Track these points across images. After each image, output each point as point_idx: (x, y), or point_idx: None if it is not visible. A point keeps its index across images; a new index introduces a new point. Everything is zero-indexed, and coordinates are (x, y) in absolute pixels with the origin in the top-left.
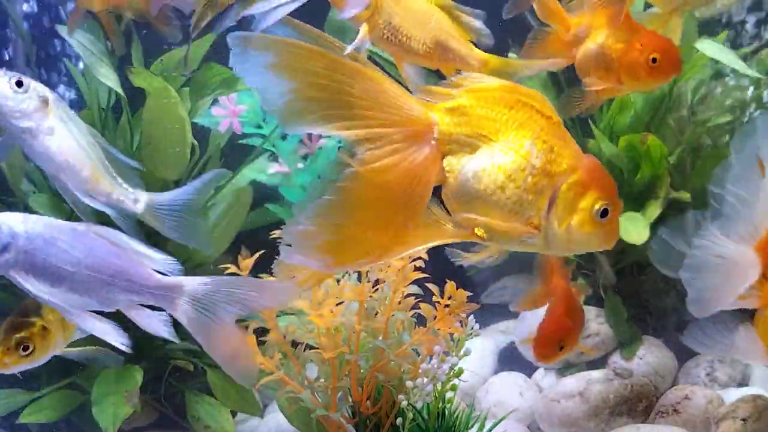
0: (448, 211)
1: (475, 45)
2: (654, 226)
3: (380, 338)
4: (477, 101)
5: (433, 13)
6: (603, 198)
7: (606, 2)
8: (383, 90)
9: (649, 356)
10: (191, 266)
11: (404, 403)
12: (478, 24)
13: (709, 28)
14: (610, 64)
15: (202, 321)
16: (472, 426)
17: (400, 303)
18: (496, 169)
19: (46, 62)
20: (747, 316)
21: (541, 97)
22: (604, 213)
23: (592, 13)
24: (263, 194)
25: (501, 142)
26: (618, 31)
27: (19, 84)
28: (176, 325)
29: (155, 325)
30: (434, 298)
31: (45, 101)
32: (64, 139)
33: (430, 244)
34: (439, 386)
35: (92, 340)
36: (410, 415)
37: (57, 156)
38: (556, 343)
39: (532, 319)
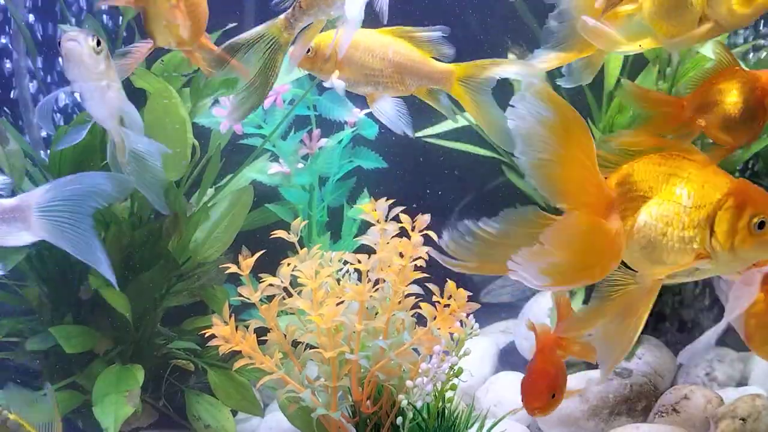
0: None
1: (438, 59)
2: None
3: (380, 338)
4: (632, 169)
5: (390, 43)
6: (757, 213)
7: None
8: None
9: (649, 356)
10: (192, 266)
11: (404, 402)
12: (434, 36)
13: None
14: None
15: (60, 228)
16: (472, 425)
17: (400, 303)
18: (654, 220)
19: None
20: None
21: (686, 145)
22: (761, 225)
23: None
24: (263, 194)
25: (655, 197)
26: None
27: (98, 43)
28: (177, 324)
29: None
30: (434, 298)
31: (108, 57)
32: (121, 91)
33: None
34: (439, 386)
35: None
36: (410, 414)
37: (122, 109)
38: (546, 392)
39: (533, 318)
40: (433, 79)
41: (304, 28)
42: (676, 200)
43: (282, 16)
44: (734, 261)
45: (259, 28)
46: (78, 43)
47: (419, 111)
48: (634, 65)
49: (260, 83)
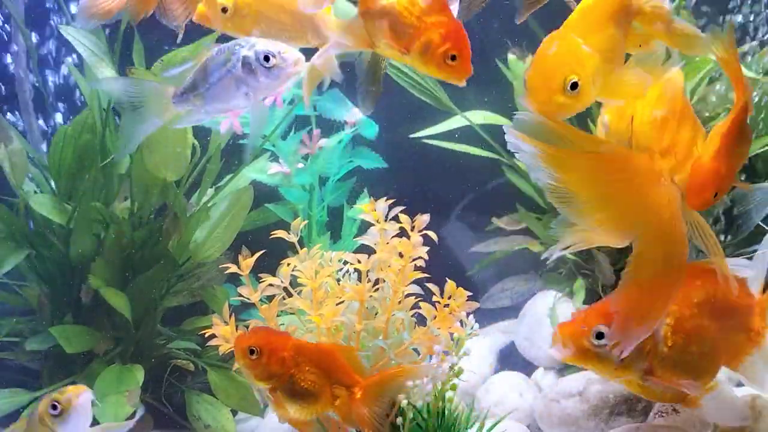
0: None
1: None
2: None
3: (380, 338)
4: None
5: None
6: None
7: None
8: None
9: None
10: (192, 266)
11: (404, 402)
12: None
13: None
14: None
15: None
16: (472, 425)
17: (400, 303)
18: None
19: (46, 62)
20: None
21: None
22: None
23: None
24: (263, 194)
25: None
26: None
27: (267, 59)
28: (177, 324)
29: None
30: (434, 298)
31: None
32: None
33: None
34: (438, 386)
35: None
36: (410, 414)
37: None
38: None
39: (532, 318)
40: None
41: None
42: None
43: None
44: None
45: None
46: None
47: (419, 111)
48: None
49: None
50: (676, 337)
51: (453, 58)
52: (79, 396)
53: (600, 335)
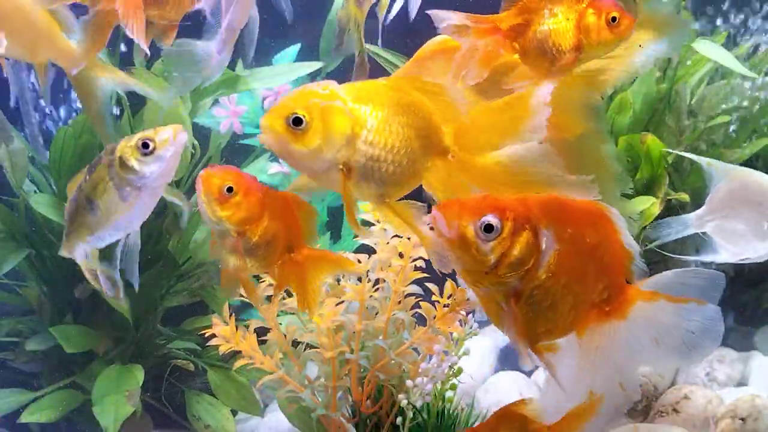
0: None
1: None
2: None
3: (380, 338)
4: None
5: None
6: None
7: None
8: None
9: None
10: (192, 266)
11: (404, 402)
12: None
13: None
14: None
15: None
16: (472, 425)
17: (400, 302)
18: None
19: None
20: None
21: None
22: None
23: None
24: None
25: None
26: None
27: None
28: (177, 324)
29: None
30: (433, 298)
31: None
32: None
33: None
34: (438, 385)
35: None
36: (410, 414)
37: None
38: None
39: None
40: (60, 56)
41: None
42: None
43: None
44: None
45: None
46: None
47: None
48: None
49: None
50: (559, 268)
51: None
52: (178, 135)
53: (489, 228)
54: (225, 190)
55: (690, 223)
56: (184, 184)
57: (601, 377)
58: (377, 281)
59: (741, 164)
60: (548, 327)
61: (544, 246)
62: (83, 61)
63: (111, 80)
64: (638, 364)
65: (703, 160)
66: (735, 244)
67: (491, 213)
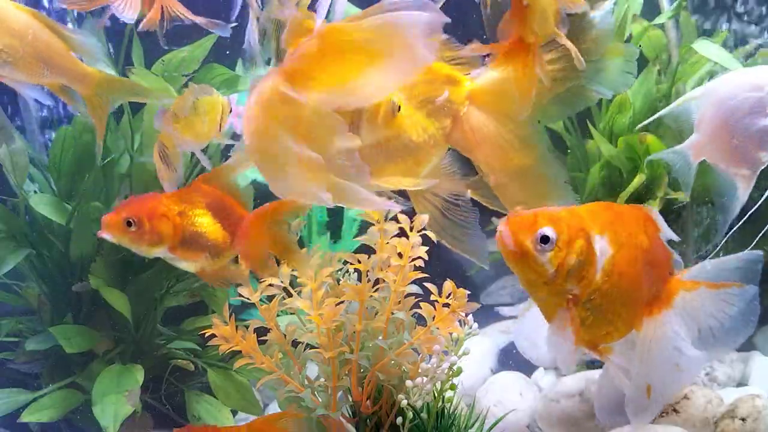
0: None
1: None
2: None
3: (380, 338)
4: None
5: (31, 24)
6: None
7: None
8: None
9: None
10: None
11: (404, 402)
12: (80, 39)
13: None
14: None
15: None
16: (472, 425)
17: (400, 303)
18: None
19: None
20: None
21: None
22: None
23: None
24: (263, 194)
25: None
26: None
27: None
28: (177, 324)
29: None
30: (432, 297)
31: None
32: None
33: None
34: (438, 386)
35: None
36: (410, 414)
37: None
38: None
39: (532, 319)
40: (70, 77)
41: None
42: None
43: None
44: None
45: None
46: None
47: None
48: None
49: None
50: (614, 272)
51: None
52: None
53: (545, 239)
54: (125, 224)
55: (687, 153)
56: (184, 183)
57: (658, 367)
58: (377, 281)
59: None
60: (608, 330)
61: (598, 252)
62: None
63: (120, 97)
64: (685, 352)
65: (676, 102)
66: (738, 164)
67: (547, 225)
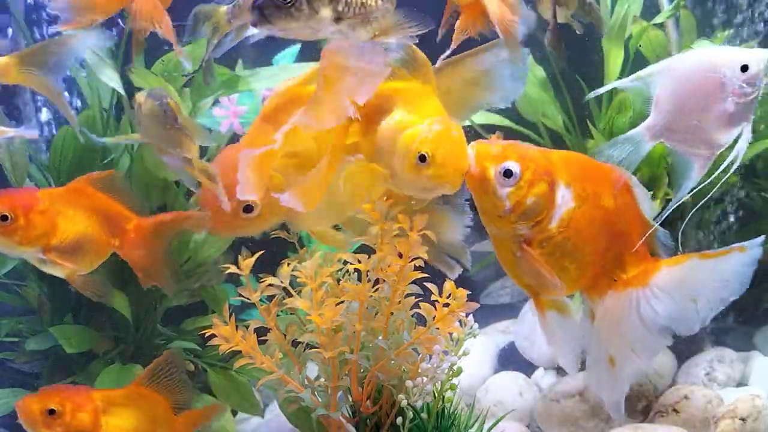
0: None
1: None
2: None
3: (380, 338)
4: None
5: None
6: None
7: None
8: None
9: None
10: (193, 266)
11: (404, 402)
12: None
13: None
14: None
15: None
16: (472, 425)
17: (400, 303)
18: None
19: None
20: None
21: None
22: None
23: None
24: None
25: None
26: None
27: None
28: (177, 324)
29: None
30: (432, 297)
31: None
32: None
33: None
34: (438, 386)
35: None
36: (410, 414)
37: None
38: None
39: (532, 319)
40: None
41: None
42: None
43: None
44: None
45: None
46: None
47: None
48: (635, 63)
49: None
50: (571, 224)
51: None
52: None
53: (508, 173)
54: (1, 219)
55: (641, 137)
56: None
57: (621, 345)
58: (377, 281)
59: (742, 165)
60: (563, 275)
61: (559, 200)
62: None
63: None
64: (674, 329)
65: (632, 77)
66: (697, 144)
67: (513, 160)
